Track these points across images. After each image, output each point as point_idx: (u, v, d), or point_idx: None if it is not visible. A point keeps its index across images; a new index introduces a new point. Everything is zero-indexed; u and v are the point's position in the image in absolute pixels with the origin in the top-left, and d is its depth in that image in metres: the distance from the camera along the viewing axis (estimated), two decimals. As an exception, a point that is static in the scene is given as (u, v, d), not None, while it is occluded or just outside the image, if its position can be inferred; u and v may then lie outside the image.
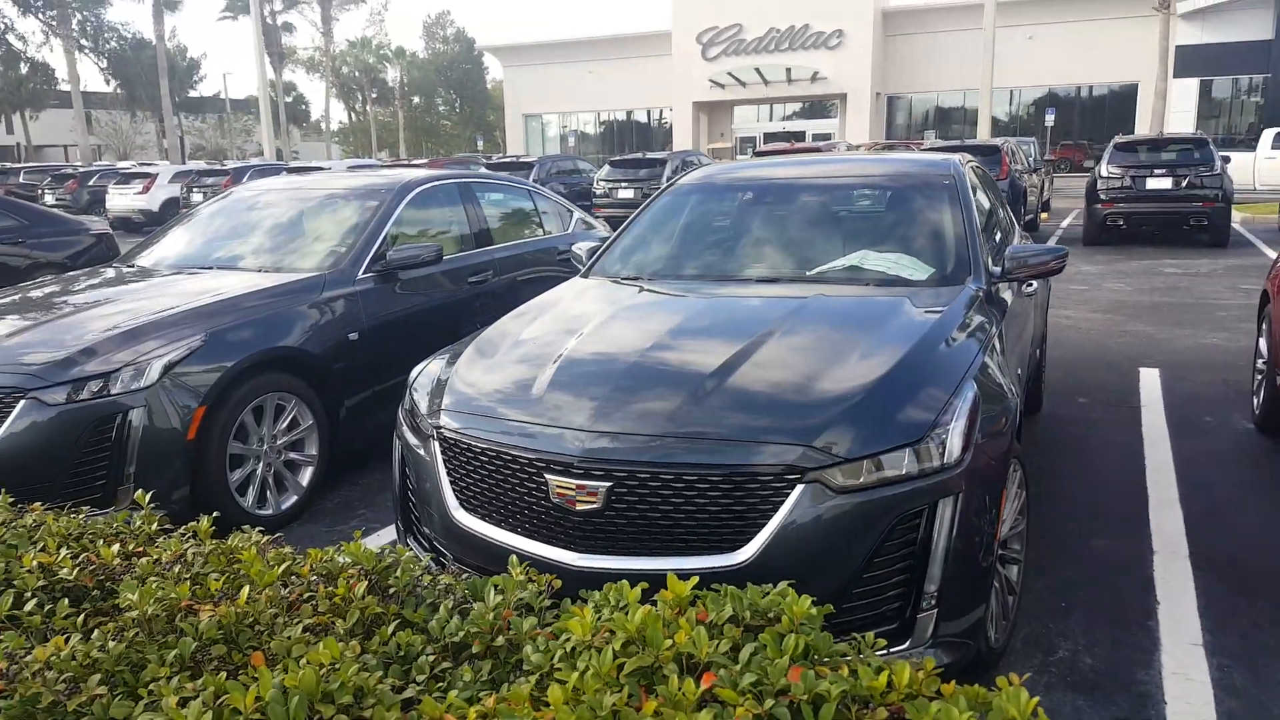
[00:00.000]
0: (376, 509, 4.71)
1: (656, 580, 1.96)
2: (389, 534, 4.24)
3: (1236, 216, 16.92)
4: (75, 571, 2.23)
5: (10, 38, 49.16)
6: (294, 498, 4.58)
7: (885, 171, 4.75)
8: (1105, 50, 42.05)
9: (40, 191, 27.21)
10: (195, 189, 23.49)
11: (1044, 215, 19.82)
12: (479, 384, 3.19)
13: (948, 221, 4.13)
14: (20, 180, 30.42)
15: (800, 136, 44.54)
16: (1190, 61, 36.60)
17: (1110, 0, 41.51)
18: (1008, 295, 4.04)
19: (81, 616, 2.04)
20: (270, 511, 4.41)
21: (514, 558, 2.14)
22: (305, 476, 4.65)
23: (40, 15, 47.89)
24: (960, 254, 3.95)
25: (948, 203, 4.21)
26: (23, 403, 3.83)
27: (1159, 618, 3.43)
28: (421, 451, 3.12)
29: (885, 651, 2.30)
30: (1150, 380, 6.78)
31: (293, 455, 4.62)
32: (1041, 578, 3.75)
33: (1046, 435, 5.55)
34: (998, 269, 3.99)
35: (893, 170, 4.73)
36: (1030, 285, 4.43)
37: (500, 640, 1.89)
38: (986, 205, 4.70)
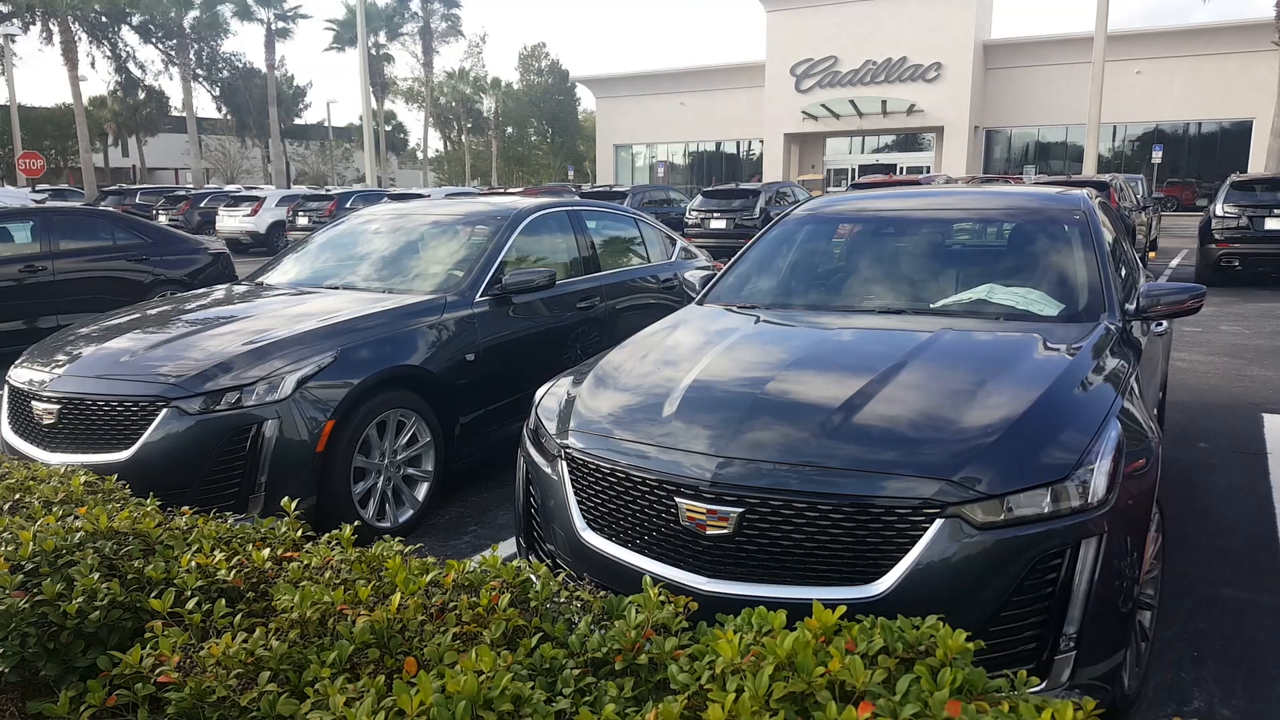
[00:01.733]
0: (486, 526, 4.79)
1: (787, 608, 1.94)
2: (504, 550, 4.29)
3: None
4: (231, 573, 2.32)
5: (130, 65, 51.73)
6: (410, 512, 4.69)
7: (1009, 205, 4.67)
8: (1218, 86, 40.71)
9: (155, 212, 28.51)
10: (300, 213, 24.37)
11: (1152, 254, 19.21)
12: (607, 406, 3.23)
13: (1079, 257, 4.04)
14: (137, 201, 31.98)
15: (892, 169, 44.20)
16: (1312, 98, 35.00)
17: (1224, 35, 40.30)
18: (1140, 334, 3.93)
19: (238, 616, 2.12)
20: (388, 524, 4.53)
21: (648, 578, 2.15)
22: (421, 491, 4.76)
23: (160, 45, 50.36)
24: (1094, 290, 3.87)
25: (1079, 238, 4.13)
26: (164, 411, 4.02)
27: (1302, 675, 3.27)
28: (548, 470, 3.17)
29: (1036, 691, 2.25)
30: (1275, 427, 6.48)
31: (410, 470, 4.74)
32: (1170, 625, 3.61)
33: (1166, 480, 5.33)
34: (1131, 306, 3.89)
35: (1017, 204, 4.65)
36: (1161, 325, 4.30)
37: (643, 658, 1.90)
38: (1113, 241, 4.59)
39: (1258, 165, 37.25)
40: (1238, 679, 3.24)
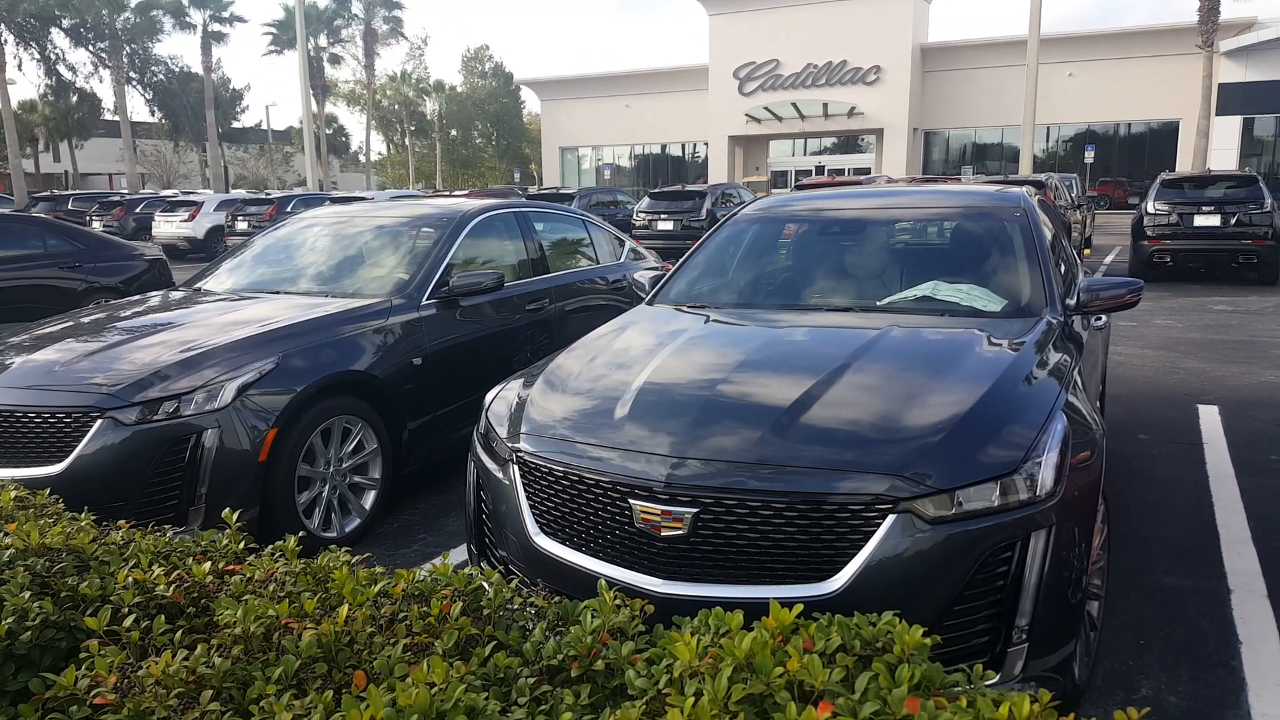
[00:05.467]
0: (436, 533, 4.71)
1: (744, 608, 1.93)
2: (455, 558, 4.23)
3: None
4: (171, 588, 2.24)
5: (60, 68, 50.27)
6: (357, 521, 4.59)
7: (952, 204, 4.73)
8: (1146, 88, 41.99)
9: (88, 218, 27.74)
10: (240, 217, 23.89)
11: (1087, 251, 19.67)
12: (558, 409, 3.19)
13: (1021, 253, 4.10)
14: (69, 207, 31.10)
15: (822, 170, 44.96)
16: (1233, 99, 36.31)
17: (1152, 39, 41.62)
18: (1081, 328, 4.00)
19: (178, 633, 2.04)
20: (334, 534, 4.43)
21: (603, 582, 2.12)
22: (368, 500, 4.68)
23: (91, 47, 49.05)
24: (1036, 286, 3.93)
25: (1020, 235, 4.19)
26: (99, 422, 3.88)
27: (1242, 658, 3.35)
28: (499, 475, 3.12)
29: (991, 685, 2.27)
30: (1210, 417, 6.66)
31: (357, 478, 4.64)
32: (1116, 614, 3.67)
33: (1108, 471, 5.45)
34: (1072, 301, 3.95)
35: (960, 202, 4.71)
36: (1100, 319, 4.38)
37: (599, 664, 1.87)
38: (1052, 238, 4.67)
39: (1185, 164, 38.54)
40: (1183, 665, 3.31)
